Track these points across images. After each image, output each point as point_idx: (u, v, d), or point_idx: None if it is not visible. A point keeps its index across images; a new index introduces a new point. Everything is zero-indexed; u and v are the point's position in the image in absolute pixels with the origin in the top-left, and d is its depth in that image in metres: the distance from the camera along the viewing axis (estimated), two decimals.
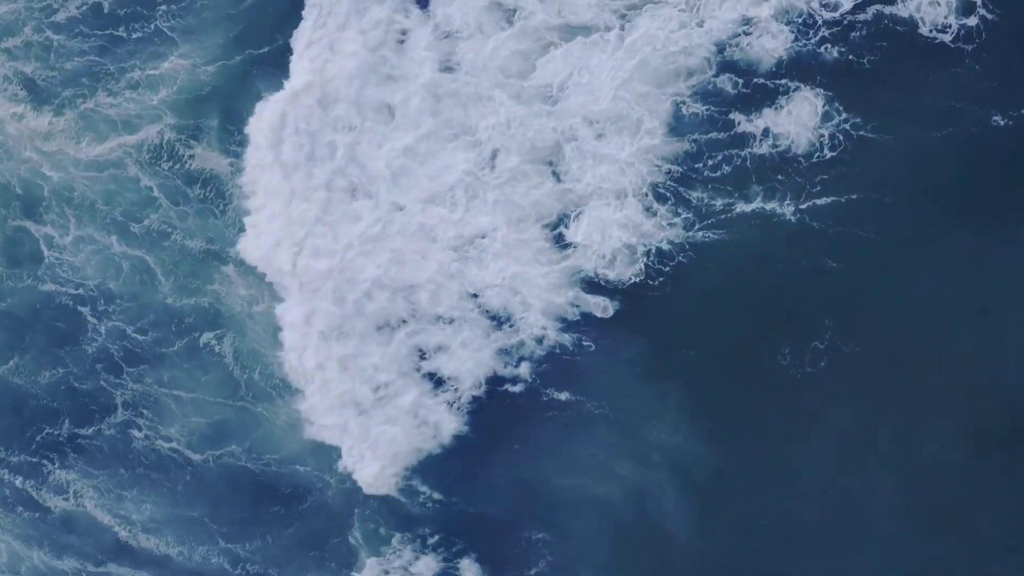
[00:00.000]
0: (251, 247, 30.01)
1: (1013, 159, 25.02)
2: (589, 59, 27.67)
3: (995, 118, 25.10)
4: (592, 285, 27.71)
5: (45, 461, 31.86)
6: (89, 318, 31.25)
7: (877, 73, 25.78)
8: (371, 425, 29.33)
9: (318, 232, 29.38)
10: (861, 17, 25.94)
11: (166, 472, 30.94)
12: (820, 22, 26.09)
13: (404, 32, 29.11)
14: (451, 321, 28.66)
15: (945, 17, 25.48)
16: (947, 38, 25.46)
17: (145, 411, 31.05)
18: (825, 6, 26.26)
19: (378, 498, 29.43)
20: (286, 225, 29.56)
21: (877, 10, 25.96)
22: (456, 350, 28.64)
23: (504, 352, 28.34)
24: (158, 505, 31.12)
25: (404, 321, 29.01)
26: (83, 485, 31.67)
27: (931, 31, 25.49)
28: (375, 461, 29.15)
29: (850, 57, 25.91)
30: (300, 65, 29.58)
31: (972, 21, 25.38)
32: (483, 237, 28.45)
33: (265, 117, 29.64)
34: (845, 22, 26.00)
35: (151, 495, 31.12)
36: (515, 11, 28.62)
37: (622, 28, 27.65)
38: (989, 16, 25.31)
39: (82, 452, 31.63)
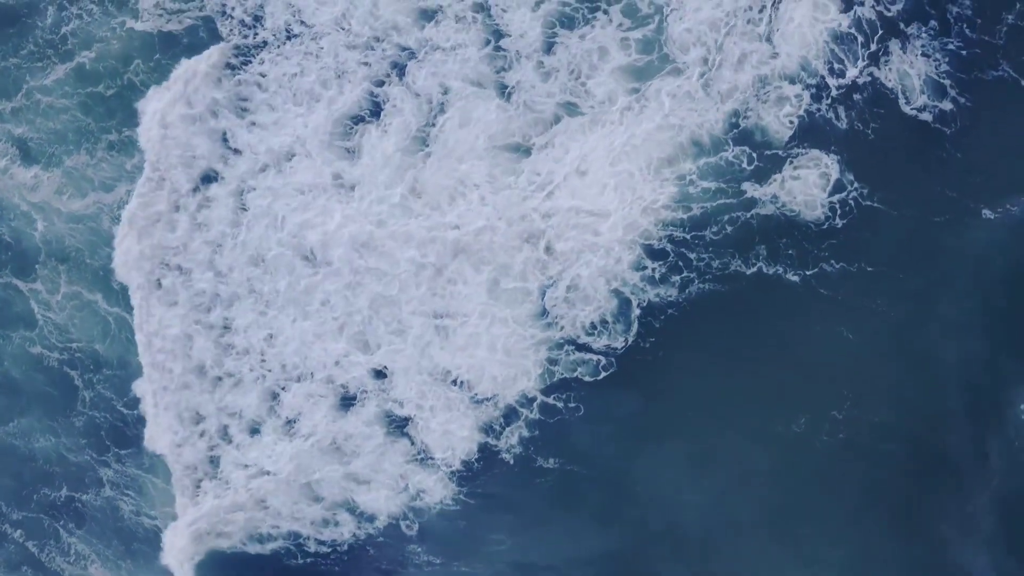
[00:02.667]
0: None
1: (1006, 252, 24.50)
2: (591, 140, 26.40)
3: (985, 211, 24.51)
4: (581, 347, 26.78)
5: (43, 516, 32.11)
6: (76, 382, 31.37)
7: (881, 143, 24.98)
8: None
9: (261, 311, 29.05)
10: (861, 81, 25.15)
11: (155, 547, 30.80)
12: (830, 86, 25.17)
13: (379, 104, 28.28)
14: (426, 394, 27.95)
15: (921, 93, 24.68)
16: (927, 118, 24.70)
17: (129, 492, 31.14)
18: (831, 71, 25.20)
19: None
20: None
21: (871, 75, 25.04)
22: (439, 421, 27.86)
23: (489, 419, 27.64)
24: None
25: (372, 393, 28.38)
26: (85, 550, 31.89)
27: (912, 110, 24.77)
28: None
29: (857, 125, 25.05)
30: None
31: (946, 105, 24.58)
32: (465, 317, 27.48)
33: None
34: (851, 85, 25.12)
35: (145, 570, 31.16)
36: (513, 86, 27.13)
37: (629, 107, 26.24)
38: (961, 100, 24.53)
39: (80, 519, 31.88)
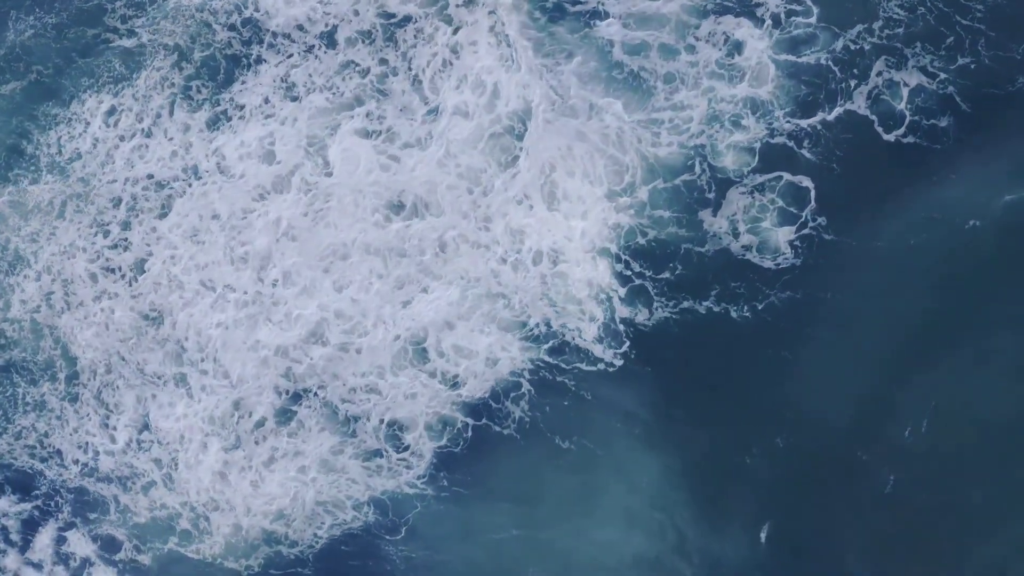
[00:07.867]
0: None
1: (978, 270, 24.48)
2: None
3: (971, 221, 24.54)
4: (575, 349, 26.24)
5: None
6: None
7: (843, 174, 25.30)
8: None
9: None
10: (831, 117, 25.58)
11: None
12: (792, 126, 25.61)
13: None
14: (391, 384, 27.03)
15: (908, 111, 24.99)
16: (911, 139, 24.97)
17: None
18: (786, 113, 25.59)
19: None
20: None
21: (846, 109, 25.46)
22: (408, 405, 26.94)
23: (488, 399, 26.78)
24: None
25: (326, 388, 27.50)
26: None
27: (891, 135, 25.09)
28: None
29: (820, 158, 25.39)
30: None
31: (942, 121, 24.87)
32: (447, 329, 26.77)
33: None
34: (813, 120, 25.63)
35: None
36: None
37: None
38: (964, 109, 24.73)
39: None
